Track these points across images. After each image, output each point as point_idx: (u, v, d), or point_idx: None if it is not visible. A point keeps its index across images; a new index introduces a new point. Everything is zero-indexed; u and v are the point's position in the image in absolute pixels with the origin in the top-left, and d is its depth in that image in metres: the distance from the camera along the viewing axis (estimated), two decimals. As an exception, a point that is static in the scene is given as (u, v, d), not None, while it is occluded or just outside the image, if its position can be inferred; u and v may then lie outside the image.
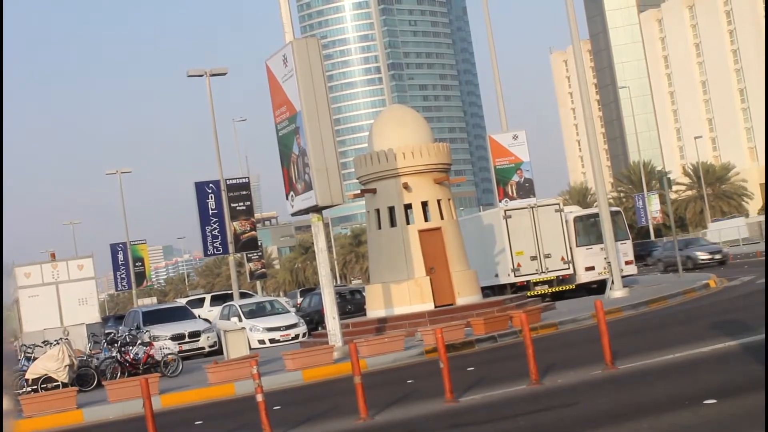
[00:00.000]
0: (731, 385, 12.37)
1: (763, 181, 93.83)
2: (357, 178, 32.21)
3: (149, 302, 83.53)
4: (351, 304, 41.71)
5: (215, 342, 35.13)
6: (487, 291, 36.36)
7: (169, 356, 26.59)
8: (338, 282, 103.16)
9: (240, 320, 36.55)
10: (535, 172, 41.24)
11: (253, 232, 47.09)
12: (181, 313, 38.16)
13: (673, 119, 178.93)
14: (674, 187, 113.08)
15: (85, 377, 25.31)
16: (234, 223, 45.87)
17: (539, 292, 37.33)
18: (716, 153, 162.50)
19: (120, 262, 71.20)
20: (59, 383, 24.07)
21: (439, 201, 31.23)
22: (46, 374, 24.20)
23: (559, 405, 13.30)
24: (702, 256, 52.31)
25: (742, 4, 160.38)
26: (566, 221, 38.52)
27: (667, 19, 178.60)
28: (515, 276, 37.62)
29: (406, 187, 30.71)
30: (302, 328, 36.39)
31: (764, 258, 42.81)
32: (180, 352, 29.77)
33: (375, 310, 31.11)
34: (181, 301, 49.79)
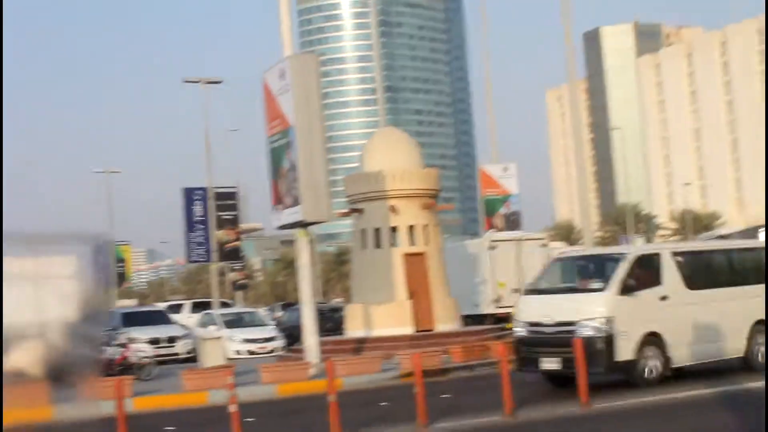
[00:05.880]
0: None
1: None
2: (346, 197, 32.22)
3: (129, 303, 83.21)
4: (331, 321, 41.57)
5: (192, 349, 34.96)
6: (468, 320, 36.29)
7: (143, 359, 26.49)
8: (320, 299, 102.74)
9: (219, 329, 36.40)
10: (522, 204, 41.38)
11: (237, 242, 47.01)
12: (160, 318, 38.02)
13: (663, 164, 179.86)
14: (660, 232, 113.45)
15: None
16: (219, 231, 45.78)
17: (518, 325, 37.21)
18: (704, 201, 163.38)
19: (102, 262, 70.94)
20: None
21: (425, 226, 31.25)
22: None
23: (531, 438, 13.32)
24: None
25: (739, 58, 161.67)
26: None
27: (665, 66, 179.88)
28: (496, 307, 37.56)
29: (393, 209, 30.71)
30: (280, 342, 36.26)
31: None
32: (156, 356, 29.64)
33: (354, 329, 31.04)
34: (161, 306, 49.63)
